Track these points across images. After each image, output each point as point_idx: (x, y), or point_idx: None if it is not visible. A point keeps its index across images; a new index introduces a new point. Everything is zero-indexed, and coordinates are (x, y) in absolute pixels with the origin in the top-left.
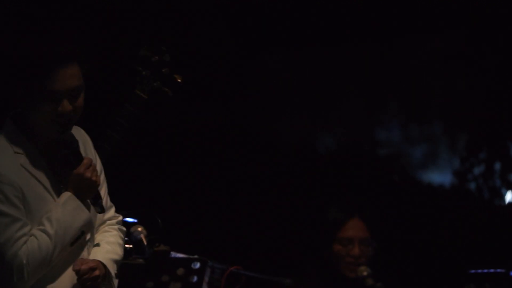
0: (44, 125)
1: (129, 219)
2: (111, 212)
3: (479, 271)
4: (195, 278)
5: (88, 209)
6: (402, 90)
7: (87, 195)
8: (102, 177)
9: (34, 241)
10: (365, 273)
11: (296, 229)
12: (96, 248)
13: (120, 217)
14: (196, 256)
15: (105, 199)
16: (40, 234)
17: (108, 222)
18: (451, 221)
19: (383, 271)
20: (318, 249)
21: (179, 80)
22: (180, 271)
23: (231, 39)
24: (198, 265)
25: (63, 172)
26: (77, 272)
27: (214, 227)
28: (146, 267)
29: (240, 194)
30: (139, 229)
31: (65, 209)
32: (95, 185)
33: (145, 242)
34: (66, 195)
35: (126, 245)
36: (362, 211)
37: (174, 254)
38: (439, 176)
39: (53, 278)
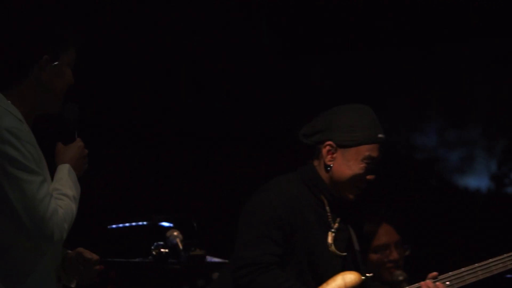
0: (55, 95)
1: (165, 224)
2: None
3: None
4: None
5: None
6: (439, 94)
7: (80, 172)
8: None
9: (61, 201)
10: (401, 278)
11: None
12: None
13: None
14: None
15: None
16: (62, 196)
17: None
18: (488, 225)
19: (418, 275)
20: None
21: None
22: (216, 275)
23: (273, 47)
24: None
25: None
26: (90, 260)
27: None
28: (181, 271)
29: None
30: (175, 233)
31: (70, 180)
32: (86, 165)
33: (180, 247)
34: (66, 167)
35: (162, 249)
36: (388, 216)
37: (210, 259)
38: (476, 181)
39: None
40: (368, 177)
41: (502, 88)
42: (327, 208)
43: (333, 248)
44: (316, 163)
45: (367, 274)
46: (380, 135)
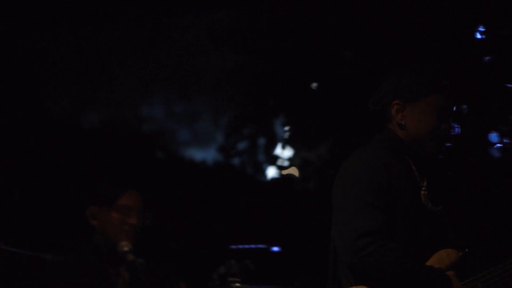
0: None
1: None
2: None
3: (241, 246)
4: None
5: None
6: (170, 68)
7: None
8: None
9: None
10: (126, 249)
11: (65, 204)
12: None
13: None
14: None
15: None
16: None
17: None
18: (214, 196)
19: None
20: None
21: None
22: None
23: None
24: None
25: None
26: None
27: None
28: None
29: (8, 169)
30: None
31: None
32: None
33: None
34: None
35: None
36: (136, 182)
37: None
38: (203, 152)
39: None
40: (443, 126)
41: (227, 61)
42: (413, 167)
43: (430, 206)
44: (391, 126)
45: (465, 250)
46: (444, 82)
